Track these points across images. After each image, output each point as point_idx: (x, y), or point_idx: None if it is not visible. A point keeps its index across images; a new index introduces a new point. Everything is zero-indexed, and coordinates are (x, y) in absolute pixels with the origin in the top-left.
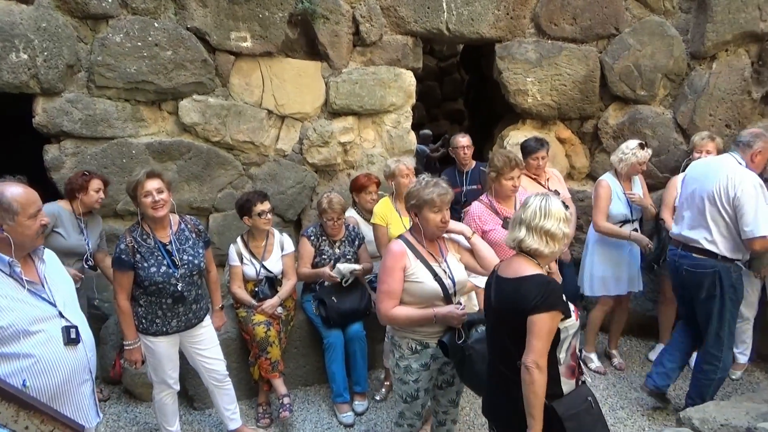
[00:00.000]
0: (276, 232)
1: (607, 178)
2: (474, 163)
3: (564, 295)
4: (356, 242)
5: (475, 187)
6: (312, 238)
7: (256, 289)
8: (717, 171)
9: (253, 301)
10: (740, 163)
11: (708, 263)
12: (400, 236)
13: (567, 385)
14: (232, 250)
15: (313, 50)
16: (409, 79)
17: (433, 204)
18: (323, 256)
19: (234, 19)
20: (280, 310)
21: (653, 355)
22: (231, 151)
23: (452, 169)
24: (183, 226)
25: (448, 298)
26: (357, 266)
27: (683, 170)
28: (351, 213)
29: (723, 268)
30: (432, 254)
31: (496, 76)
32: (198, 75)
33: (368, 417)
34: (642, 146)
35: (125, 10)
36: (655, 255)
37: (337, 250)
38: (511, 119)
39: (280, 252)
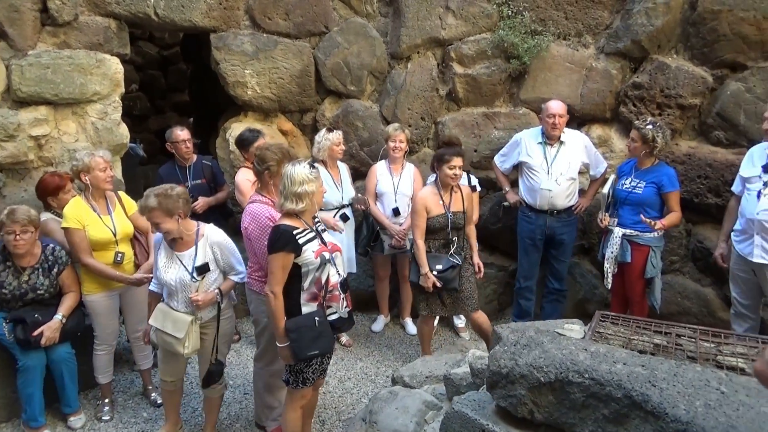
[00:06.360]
0: None
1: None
2: (196, 156)
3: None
4: (55, 269)
5: (200, 181)
6: None
7: None
8: None
9: None
10: None
11: None
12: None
13: (307, 307)
14: None
15: None
16: (116, 66)
17: None
18: (3, 290)
19: None
20: None
21: (376, 327)
22: None
23: (170, 165)
24: None
25: None
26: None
27: (380, 158)
28: (47, 216)
29: None
30: None
31: (214, 67)
32: None
33: None
34: (329, 130)
35: None
36: (366, 239)
37: (24, 284)
38: (234, 111)
39: None
